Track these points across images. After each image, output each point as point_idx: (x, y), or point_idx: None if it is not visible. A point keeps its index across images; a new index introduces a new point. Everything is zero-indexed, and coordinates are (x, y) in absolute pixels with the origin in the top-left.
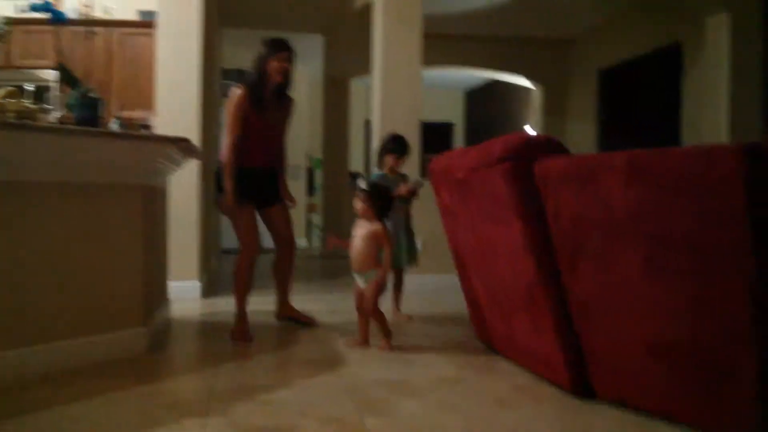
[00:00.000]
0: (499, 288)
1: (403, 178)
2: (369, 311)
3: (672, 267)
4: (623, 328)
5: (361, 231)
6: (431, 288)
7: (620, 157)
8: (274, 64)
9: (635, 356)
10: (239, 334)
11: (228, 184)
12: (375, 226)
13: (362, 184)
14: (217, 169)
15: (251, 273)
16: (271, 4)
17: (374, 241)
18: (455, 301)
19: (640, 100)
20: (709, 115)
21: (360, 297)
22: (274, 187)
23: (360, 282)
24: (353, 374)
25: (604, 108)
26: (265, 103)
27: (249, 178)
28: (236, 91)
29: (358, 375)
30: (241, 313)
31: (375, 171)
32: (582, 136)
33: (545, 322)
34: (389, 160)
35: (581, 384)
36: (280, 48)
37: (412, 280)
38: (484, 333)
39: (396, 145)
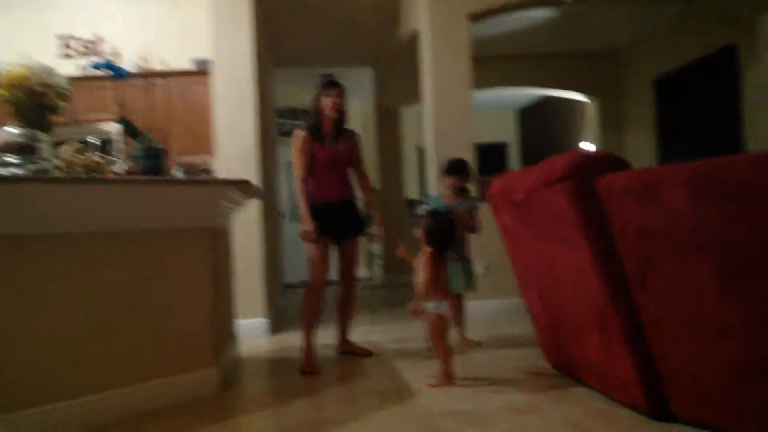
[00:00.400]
0: (568, 309)
1: (465, 199)
2: (433, 343)
3: (747, 280)
4: (700, 346)
5: (420, 259)
6: (496, 313)
7: (684, 168)
8: (326, 101)
9: (715, 375)
10: (307, 366)
11: (305, 220)
12: (424, 251)
13: (423, 210)
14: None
15: (317, 307)
16: (320, 43)
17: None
18: (522, 326)
19: (698, 106)
20: None
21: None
22: (347, 220)
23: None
24: (423, 405)
25: (662, 117)
26: (326, 138)
27: (321, 214)
28: (298, 133)
29: (428, 406)
30: (308, 346)
31: (432, 193)
32: (641, 147)
33: (618, 342)
34: (446, 182)
35: (659, 406)
36: (330, 85)
37: (476, 305)
38: (554, 356)
39: (450, 167)
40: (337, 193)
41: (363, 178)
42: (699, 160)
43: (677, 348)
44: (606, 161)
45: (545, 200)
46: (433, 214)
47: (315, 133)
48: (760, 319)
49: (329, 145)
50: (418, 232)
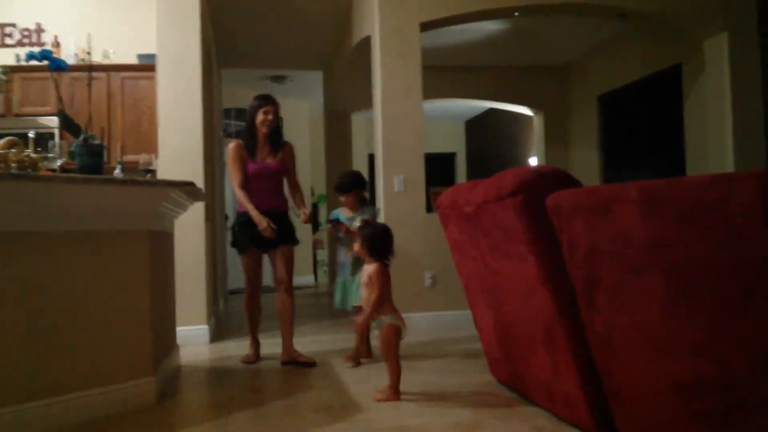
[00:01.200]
0: (515, 324)
1: (366, 208)
2: (385, 359)
3: (693, 299)
4: (645, 364)
5: (364, 275)
6: (443, 324)
7: (634, 188)
8: (260, 117)
9: (660, 394)
10: (246, 357)
11: (258, 220)
12: (371, 267)
13: (357, 222)
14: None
15: (254, 307)
16: (270, 44)
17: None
18: (469, 339)
19: (642, 124)
20: (713, 136)
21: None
22: (278, 229)
23: (374, 328)
24: (369, 421)
25: (606, 134)
26: (258, 151)
27: (251, 223)
28: (231, 144)
29: (374, 422)
30: (251, 338)
31: (335, 212)
32: (585, 163)
33: (565, 359)
34: (346, 200)
35: (605, 424)
36: (265, 102)
37: (423, 317)
38: (500, 371)
39: (345, 185)
40: (267, 203)
41: (295, 188)
42: (648, 180)
43: (623, 365)
44: (556, 178)
45: (495, 214)
46: (365, 224)
47: (247, 145)
48: (704, 339)
49: (261, 157)
50: (359, 248)
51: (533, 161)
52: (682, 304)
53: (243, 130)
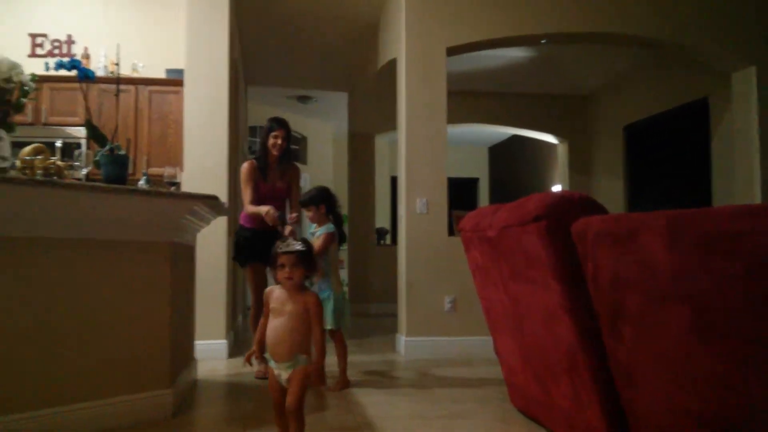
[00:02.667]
0: (536, 351)
1: (320, 229)
2: (294, 410)
3: (719, 331)
4: (670, 396)
5: (291, 305)
6: (463, 350)
7: (662, 216)
8: (270, 140)
9: (683, 426)
10: (258, 372)
11: (262, 210)
12: (307, 296)
13: (316, 237)
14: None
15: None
16: (296, 64)
17: (307, 317)
18: (488, 365)
19: (668, 155)
20: (740, 169)
21: (279, 392)
22: None
23: (282, 373)
24: None
25: (631, 164)
26: (269, 171)
27: (258, 239)
28: (245, 164)
29: None
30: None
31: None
32: (610, 192)
33: (586, 388)
34: (307, 213)
35: None
36: (277, 126)
37: (443, 342)
38: (521, 398)
39: (302, 199)
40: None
41: (295, 206)
42: (676, 209)
43: (646, 396)
44: (582, 204)
45: (518, 239)
46: (303, 241)
47: (260, 166)
48: (727, 371)
49: (271, 178)
50: (286, 269)
51: (557, 189)
52: (706, 335)
53: (257, 151)
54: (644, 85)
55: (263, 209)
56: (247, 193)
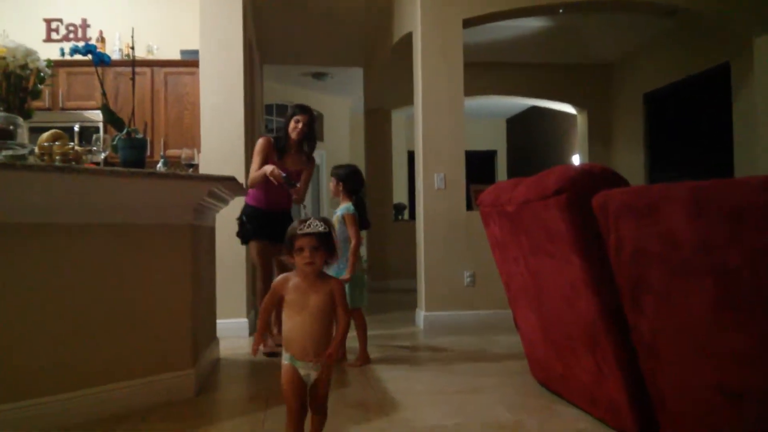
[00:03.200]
0: (556, 325)
1: (340, 209)
2: (325, 403)
3: (742, 304)
4: (693, 369)
5: (315, 298)
6: (483, 324)
7: (683, 188)
8: (291, 125)
9: (706, 399)
10: (266, 348)
11: (266, 170)
12: (331, 283)
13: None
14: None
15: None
16: (310, 41)
17: (332, 307)
18: (508, 339)
19: (689, 123)
20: (762, 135)
21: (301, 396)
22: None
23: (312, 373)
24: (406, 420)
25: (651, 133)
26: (286, 154)
27: (264, 218)
28: (262, 139)
29: (411, 421)
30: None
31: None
32: (630, 162)
33: (608, 363)
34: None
35: (648, 428)
36: (299, 112)
37: (461, 315)
38: (541, 372)
39: (333, 170)
40: (280, 203)
41: (298, 200)
42: (699, 180)
43: (669, 370)
44: (603, 176)
45: (538, 213)
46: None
47: (278, 145)
48: (753, 345)
49: (285, 161)
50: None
51: (576, 160)
52: (730, 308)
53: (279, 131)
54: (664, 52)
55: (267, 168)
56: (255, 163)
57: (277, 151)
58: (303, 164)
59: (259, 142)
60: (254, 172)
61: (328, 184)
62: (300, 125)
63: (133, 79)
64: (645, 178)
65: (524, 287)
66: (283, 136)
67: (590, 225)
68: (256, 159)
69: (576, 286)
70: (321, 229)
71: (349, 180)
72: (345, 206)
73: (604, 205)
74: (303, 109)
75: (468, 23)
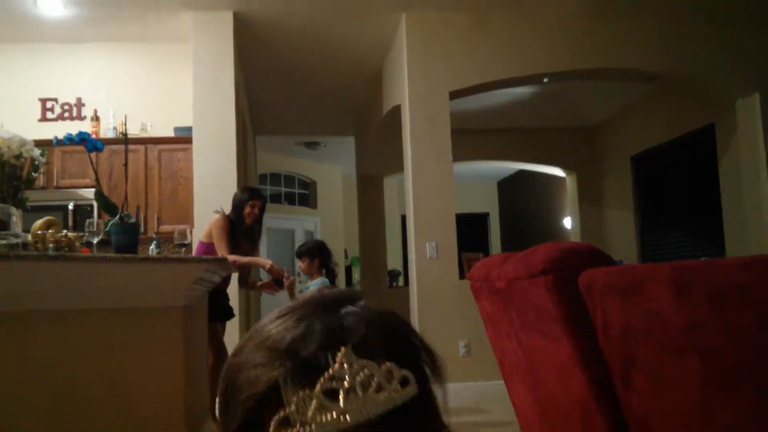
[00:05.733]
0: (550, 402)
1: (314, 283)
2: None
3: (730, 383)
4: None
5: None
6: (479, 395)
7: (665, 269)
8: (247, 210)
9: None
10: None
11: (258, 261)
12: None
13: (308, 290)
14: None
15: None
16: (302, 112)
17: None
18: (505, 411)
19: (677, 183)
20: (748, 193)
21: None
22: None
23: None
24: None
25: (641, 194)
26: (239, 236)
27: (221, 295)
28: (219, 215)
29: None
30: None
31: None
32: (621, 223)
33: None
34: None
35: None
36: (253, 197)
37: (457, 387)
38: None
39: (298, 250)
40: (227, 282)
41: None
42: (680, 261)
43: None
44: (588, 255)
45: (527, 291)
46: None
47: (233, 227)
48: (742, 422)
49: (241, 243)
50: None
51: (568, 222)
52: (719, 387)
53: (230, 214)
54: (650, 115)
55: (263, 262)
56: (225, 246)
57: (232, 232)
58: (254, 247)
59: (221, 220)
60: (240, 257)
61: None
62: (255, 210)
63: (125, 165)
64: (636, 238)
65: (518, 364)
66: (237, 219)
67: (577, 304)
68: (224, 239)
69: (566, 364)
70: None
71: (322, 254)
72: (320, 280)
73: (589, 285)
74: (257, 194)
75: (454, 95)
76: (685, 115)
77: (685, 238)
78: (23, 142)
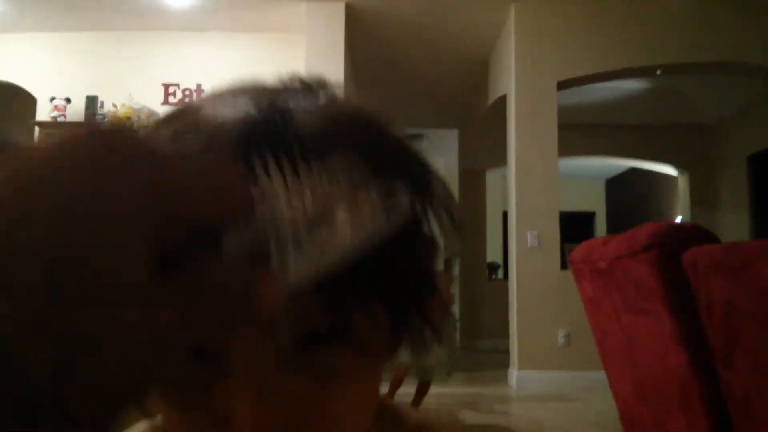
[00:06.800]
0: (649, 384)
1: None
2: None
3: None
4: None
5: None
6: (578, 385)
7: None
8: None
9: None
10: None
11: None
12: None
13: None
14: None
15: None
16: (407, 105)
17: None
18: (603, 400)
19: None
20: None
21: None
22: None
23: None
24: None
25: (756, 196)
26: None
27: None
28: None
29: None
30: None
31: None
32: (735, 226)
33: (700, 422)
34: None
35: None
36: None
37: (556, 376)
38: None
39: None
40: None
41: None
42: None
43: (764, 430)
44: (694, 233)
45: (629, 269)
46: None
47: None
48: None
49: None
50: None
51: (678, 220)
52: None
53: None
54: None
55: None
56: None
57: None
58: None
59: None
60: None
61: None
62: None
63: None
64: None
65: (617, 345)
66: None
67: (681, 281)
68: None
69: (667, 343)
70: None
71: None
72: None
73: (693, 262)
74: None
75: (562, 85)
76: None
77: None
78: (151, 113)
